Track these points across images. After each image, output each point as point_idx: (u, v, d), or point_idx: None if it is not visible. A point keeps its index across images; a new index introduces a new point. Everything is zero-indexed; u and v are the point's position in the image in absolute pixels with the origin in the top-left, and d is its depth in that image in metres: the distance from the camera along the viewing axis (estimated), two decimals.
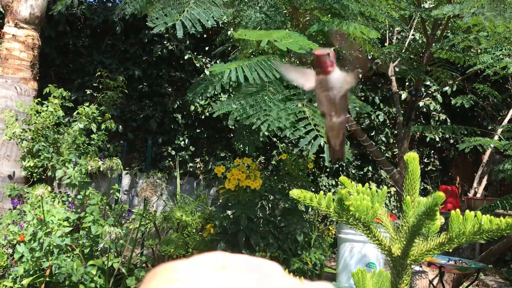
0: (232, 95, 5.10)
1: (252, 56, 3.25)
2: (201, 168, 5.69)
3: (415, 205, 0.81)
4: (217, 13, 2.49)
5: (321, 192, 0.86)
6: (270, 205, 3.41)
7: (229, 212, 3.28)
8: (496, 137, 4.24)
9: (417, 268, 3.29)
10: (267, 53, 3.10)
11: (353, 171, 6.05)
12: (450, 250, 0.81)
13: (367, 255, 3.57)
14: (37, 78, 4.55)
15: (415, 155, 0.84)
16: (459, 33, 3.39)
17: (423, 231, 0.74)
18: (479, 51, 3.63)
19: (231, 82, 2.24)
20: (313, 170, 5.80)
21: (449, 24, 3.44)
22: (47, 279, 2.87)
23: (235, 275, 0.29)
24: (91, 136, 3.98)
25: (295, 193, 0.85)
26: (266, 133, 2.35)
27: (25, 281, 2.87)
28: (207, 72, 5.47)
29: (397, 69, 3.95)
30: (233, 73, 2.23)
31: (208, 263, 0.30)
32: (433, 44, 3.33)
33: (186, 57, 5.56)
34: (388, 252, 0.83)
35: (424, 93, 5.68)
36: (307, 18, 3.12)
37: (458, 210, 0.75)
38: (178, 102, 5.57)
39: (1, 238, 3.18)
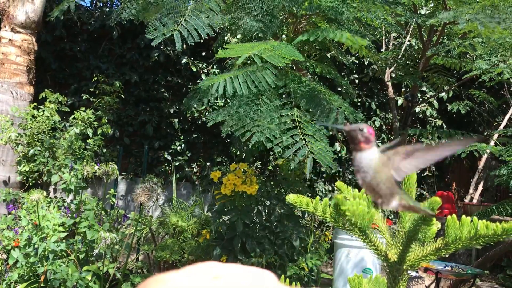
0: (229, 100, 5.10)
1: (249, 62, 3.25)
2: (198, 173, 5.68)
3: None
4: (214, 21, 2.49)
5: (317, 197, 0.85)
6: (266, 211, 3.40)
7: (225, 218, 3.27)
8: (492, 143, 4.25)
9: (414, 273, 3.29)
10: (262, 60, 3.10)
11: (350, 177, 6.05)
12: (447, 256, 0.81)
13: (363, 260, 3.56)
14: (33, 83, 4.54)
15: None
16: (455, 39, 3.41)
17: (419, 236, 0.74)
18: (475, 57, 3.65)
19: (224, 93, 2.23)
20: (310, 175, 5.80)
21: (445, 30, 3.46)
22: (42, 284, 2.85)
23: (228, 286, 0.29)
24: (87, 141, 3.96)
25: (291, 198, 0.85)
26: (261, 139, 2.35)
27: (20, 287, 2.85)
28: (203, 77, 5.48)
29: (393, 75, 3.97)
30: (221, 86, 2.22)
31: (201, 273, 0.30)
32: (429, 50, 3.35)
33: (183, 62, 5.56)
34: (384, 258, 0.83)
35: (420, 99, 5.70)
36: (303, 23, 3.13)
37: (454, 215, 0.75)
38: (174, 107, 5.57)
39: None
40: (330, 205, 0.80)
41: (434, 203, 0.65)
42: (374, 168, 0.66)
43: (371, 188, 0.68)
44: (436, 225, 0.74)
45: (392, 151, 0.68)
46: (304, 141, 2.32)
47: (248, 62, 3.26)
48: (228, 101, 5.07)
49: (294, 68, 3.15)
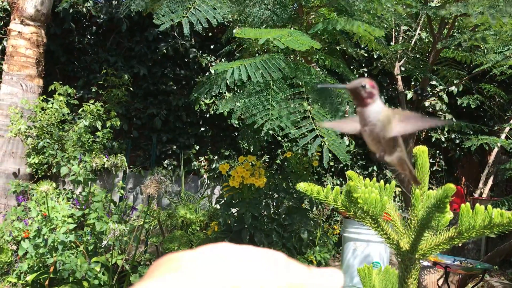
0: (236, 93, 5.10)
1: (257, 54, 3.23)
2: (205, 167, 5.69)
3: (424, 198, 0.80)
4: (224, 10, 2.48)
5: (328, 185, 0.84)
6: (274, 203, 3.39)
7: (233, 210, 3.27)
8: (503, 136, 4.21)
9: (426, 263, 3.26)
10: (272, 52, 3.08)
11: (358, 171, 6.03)
12: (460, 245, 0.80)
13: (371, 254, 3.55)
14: (42, 75, 4.56)
15: (425, 148, 0.83)
16: (466, 31, 3.37)
17: (432, 224, 0.73)
18: (485, 50, 3.61)
19: (235, 81, 2.22)
20: (318, 169, 5.79)
21: (456, 23, 3.42)
22: (51, 275, 2.88)
23: (240, 263, 0.29)
24: (96, 133, 3.98)
25: (302, 186, 0.84)
26: (271, 132, 2.34)
27: (29, 277, 2.88)
28: (212, 71, 5.47)
29: (403, 68, 3.93)
30: (236, 72, 2.21)
31: (215, 254, 0.30)
32: (439, 43, 3.31)
33: (191, 55, 5.56)
34: (396, 246, 0.82)
35: (430, 93, 5.66)
36: (313, 16, 3.11)
37: (468, 204, 0.74)
38: (183, 100, 5.57)
39: (6, 235, 3.19)
40: (341, 192, 0.79)
41: (448, 189, 0.63)
42: (381, 119, 0.69)
43: (378, 139, 0.71)
44: (449, 214, 0.73)
45: (392, 110, 0.72)
46: (317, 131, 2.31)
47: (257, 55, 3.25)
48: (236, 93, 5.06)
49: (303, 60, 3.13)
